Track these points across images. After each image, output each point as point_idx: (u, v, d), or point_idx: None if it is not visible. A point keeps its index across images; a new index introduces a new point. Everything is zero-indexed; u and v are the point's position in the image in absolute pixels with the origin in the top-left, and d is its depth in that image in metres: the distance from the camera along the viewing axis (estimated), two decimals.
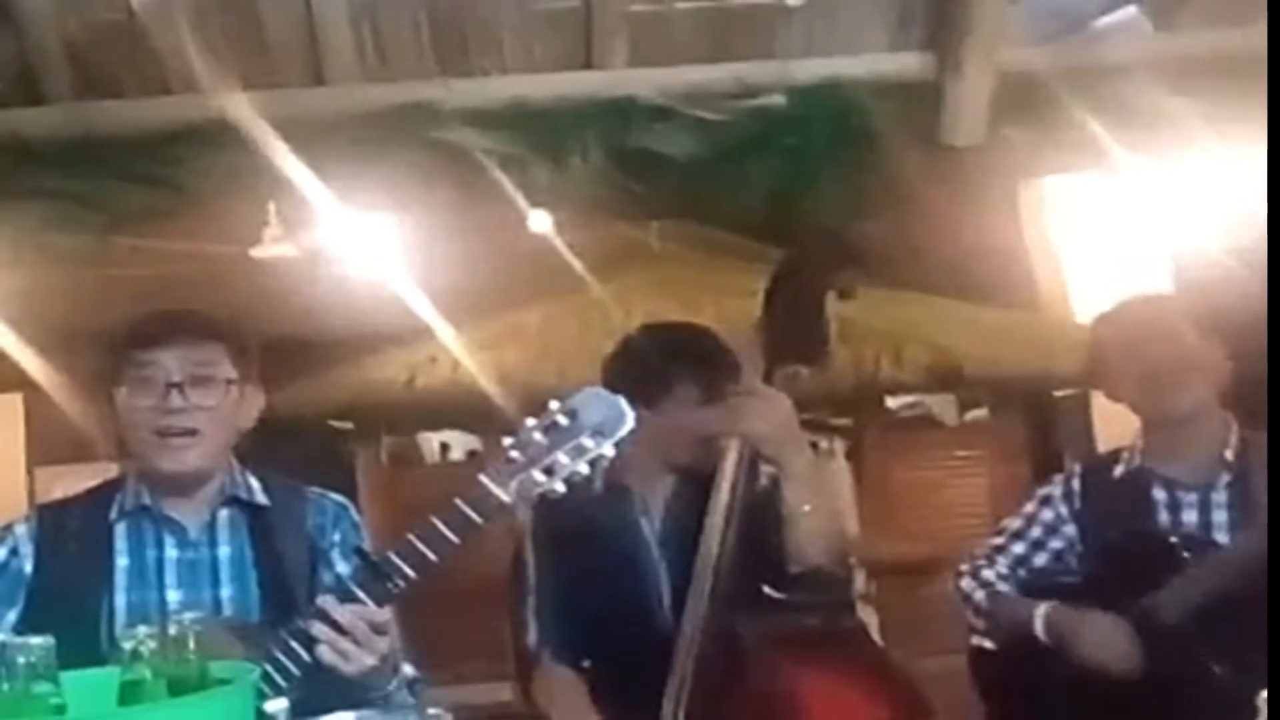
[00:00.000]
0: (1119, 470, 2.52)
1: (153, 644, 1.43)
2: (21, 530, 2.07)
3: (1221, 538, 2.37)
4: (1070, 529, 2.55)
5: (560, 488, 1.79)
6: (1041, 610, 2.42)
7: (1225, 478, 2.40)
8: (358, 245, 4.64)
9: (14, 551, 2.05)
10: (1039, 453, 6.16)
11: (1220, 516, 2.39)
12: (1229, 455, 2.40)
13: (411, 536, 1.79)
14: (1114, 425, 2.82)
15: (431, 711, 1.63)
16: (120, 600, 2.02)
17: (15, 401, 5.98)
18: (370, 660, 1.79)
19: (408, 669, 2.00)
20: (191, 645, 1.46)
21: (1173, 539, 2.39)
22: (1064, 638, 2.37)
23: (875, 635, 3.10)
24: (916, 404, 6.91)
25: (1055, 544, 2.56)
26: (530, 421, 1.80)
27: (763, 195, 3.29)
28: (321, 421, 6.02)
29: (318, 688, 1.77)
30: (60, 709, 1.36)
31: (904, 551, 5.51)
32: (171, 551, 2.07)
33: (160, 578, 2.05)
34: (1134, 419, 2.53)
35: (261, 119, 2.95)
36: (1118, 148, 3.08)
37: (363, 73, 3.19)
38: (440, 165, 3.16)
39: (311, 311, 5.43)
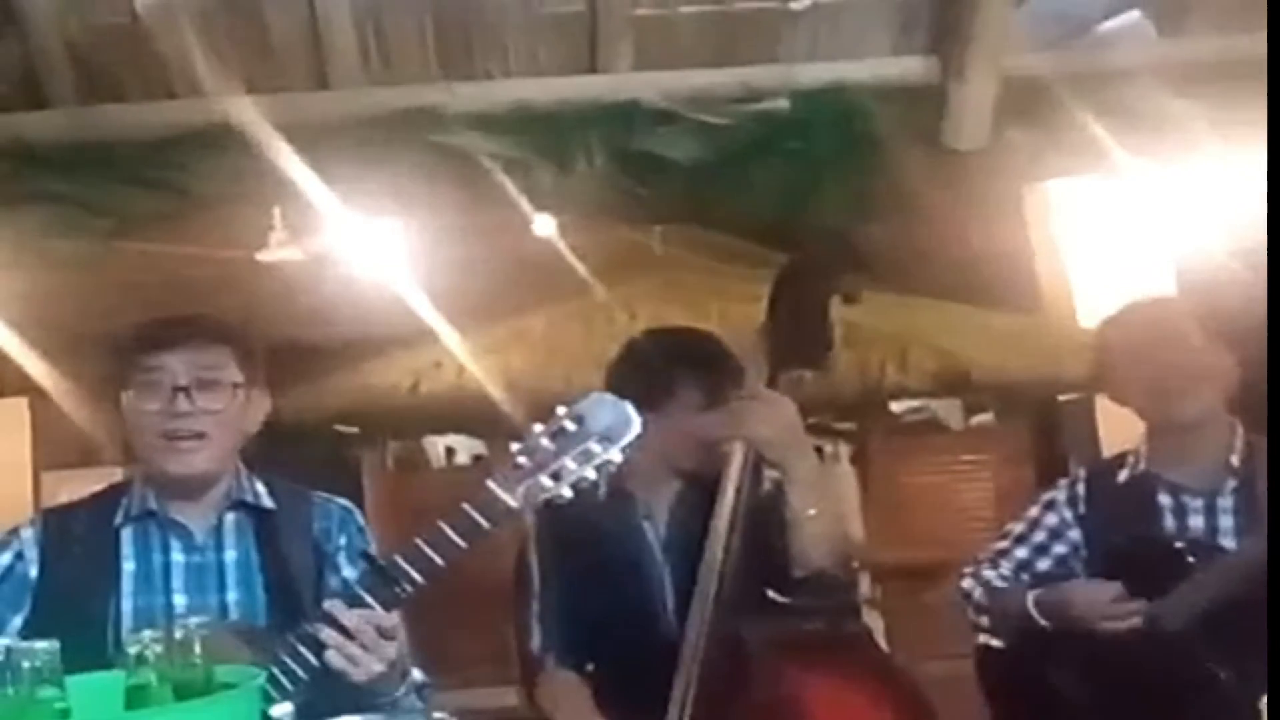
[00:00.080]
0: (1124, 475, 2.51)
1: (158, 648, 1.43)
2: (27, 534, 2.08)
3: (1227, 543, 2.37)
4: (1075, 534, 2.55)
5: (567, 493, 1.80)
6: (1032, 596, 2.42)
7: (1231, 483, 2.39)
8: (362, 249, 4.64)
9: (19, 556, 2.06)
10: (1044, 457, 6.16)
11: (1226, 522, 2.38)
12: (1235, 460, 2.39)
13: (419, 541, 1.80)
14: (1119, 429, 2.81)
15: (437, 716, 1.63)
16: (127, 605, 2.02)
17: (21, 406, 5.97)
18: (379, 666, 1.79)
19: (416, 674, 2.00)
20: (197, 649, 1.46)
21: (1178, 544, 2.38)
22: (1057, 612, 2.37)
23: (880, 639, 3.10)
24: (921, 408, 6.90)
25: (1059, 549, 2.55)
26: (538, 427, 1.80)
27: (766, 199, 3.28)
28: (327, 426, 6.04)
29: (324, 692, 1.77)
30: (65, 713, 1.36)
31: (909, 555, 5.52)
32: (178, 556, 2.07)
33: (167, 582, 2.05)
34: (1139, 423, 2.52)
35: (266, 122, 2.95)
36: (1122, 151, 3.08)
37: (367, 76, 3.18)
38: (444, 169, 3.16)
39: (317, 315, 5.43)
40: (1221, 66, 3.03)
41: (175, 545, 2.07)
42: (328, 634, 1.78)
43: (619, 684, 2.36)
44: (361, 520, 2.20)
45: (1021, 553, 2.57)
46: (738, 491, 2.23)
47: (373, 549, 2.09)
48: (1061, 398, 5.99)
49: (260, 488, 2.15)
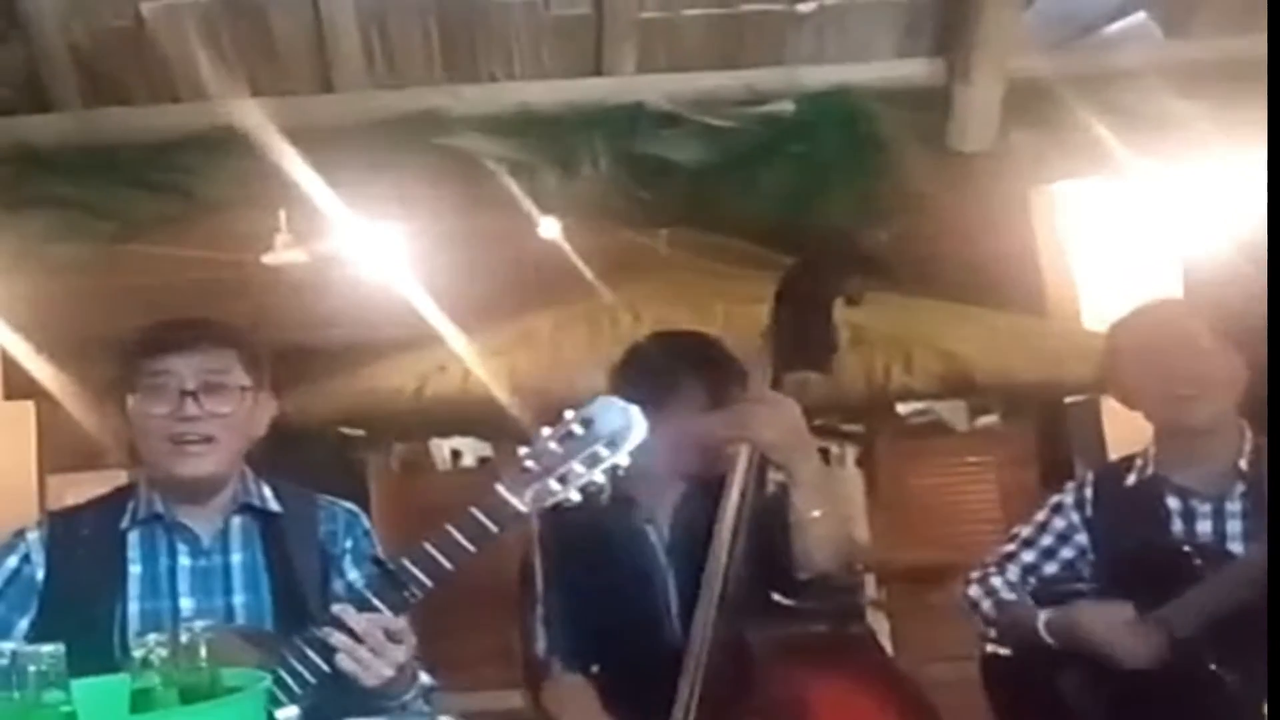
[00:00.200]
0: (1131, 478, 2.49)
1: (164, 652, 1.43)
2: (33, 537, 2.08)
3: (1236, 548, 2.34)
4: (1082, 537, 2.53)
5: (575, 496, 1.80)
6: (1043, 616, 2.41)
7: (1240, 487, 2.37)
8: (367, 252, 4.65)
9: (26, 559, 2.06)
10: (1049, 459, 6.14)
11: (1235, 526, 2.36)
12: (1244, 464, 2.37)
13: (427, 544, 1.80)
14: (1125, 431, 2.81)
15: (443, 719, 1.63)
16: (133, 608, 2.02)
17: (27, 409, 5.98)
18: (388, 670, 1.79)
19: (425, 678, 2.00)
20: (203, 653, 1.46)
21: (1186, 548, 2.37)
22: (1068, 635, 2.36)
23: (886, 642, 3.10)
24: (927, 410, 6.89)
25: (1067, 553, 2.54)
26: (545, 431, 1.80)
27: (771, 202, 3.28)
28: (332, 428, 6.03)
29: (331, 696, 1.77)
30: (71, 717, 1.36)
31: (914, 558, 5.51)
32: (184, 559, 2.07)
33: (173, 585, 2.05)
34: (1145, 425, 2.51)
35: (270, 126, 2.96)
36: (1127, 153, 3.08)
37: (372, 80, 3.19)
38: (449, 172, 3.17)
39: (323, 318, 5.44)
40: (1228, 68, 3.02)
41: (181, 549, 2.07)
42: (337, 638, 1.78)
43: (624, 687, 2.35)
44: (367, 523, 2.20)
45: (1028, 557, 2.56)
46: (742, 494, 2.22)
47: (378, 552, 2.10)
48: (1067, 400, 5.97)
49: (266, 491, 2.15)
